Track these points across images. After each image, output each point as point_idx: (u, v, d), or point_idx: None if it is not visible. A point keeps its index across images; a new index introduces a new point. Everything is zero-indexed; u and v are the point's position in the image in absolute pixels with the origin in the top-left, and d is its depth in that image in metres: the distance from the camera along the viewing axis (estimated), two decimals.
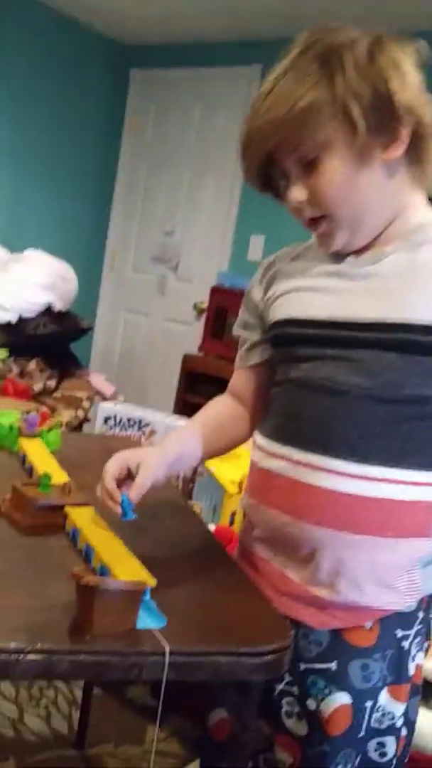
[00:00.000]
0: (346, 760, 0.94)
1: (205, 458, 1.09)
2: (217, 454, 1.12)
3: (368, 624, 0.93)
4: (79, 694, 1.90)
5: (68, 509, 1.02)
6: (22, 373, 3.23)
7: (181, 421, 2.24)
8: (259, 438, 1.01)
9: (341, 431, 0.90)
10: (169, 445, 1.02)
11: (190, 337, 4.06)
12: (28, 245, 3.56)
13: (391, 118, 0.87)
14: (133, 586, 0.76)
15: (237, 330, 1.13)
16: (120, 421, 2.27)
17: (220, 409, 1.11)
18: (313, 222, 0.95)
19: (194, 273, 4.22)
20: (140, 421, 2.25)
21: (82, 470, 1.27)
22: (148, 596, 0.79)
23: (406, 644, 0.95)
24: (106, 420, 2.29)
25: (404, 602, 0.93)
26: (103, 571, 0.84)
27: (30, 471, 1.21)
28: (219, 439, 1.08)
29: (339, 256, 0.97)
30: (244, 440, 1.12)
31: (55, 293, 3.44)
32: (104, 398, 3.50)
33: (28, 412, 1.42)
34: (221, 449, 1.10)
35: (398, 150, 0.89)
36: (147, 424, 2.22)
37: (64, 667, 0.70)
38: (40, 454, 1.27)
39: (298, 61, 0.89)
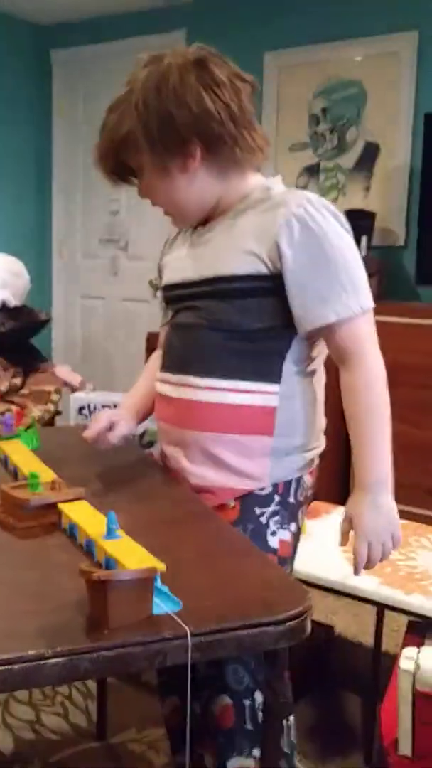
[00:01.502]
0: None
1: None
2: None
3: (231, 503, 1.18)
4: (93, 686, 1.90)
5: (61, 506, 1.00)
6: None
7: None
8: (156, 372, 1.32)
9: (193, 355, 1.19)
10: (133, 404, 1.38)
11: (150, 314, 4.02)
12: None
13: (177, 140, 1.11)
14: (144, 573, 0.75)
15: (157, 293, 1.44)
16: (95, 409, 2.24)
17: (156, 364, 1.40)
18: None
19: (145, 250, 4.16)
20: (115, 407, 2.22)
21: (67, 464, 1.25)
22: (158, 582, 0.77)
23: (264, 519, 1.17)
24: (80, 410, 2.25)
25: (255, 485, 1.18)
26: (110, 563, 0.82)
27: (15, 473, 1.19)
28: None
29: (195, 229, 1.26)
30: None
31: (8, 290, 3.36)
32: (73, 389, 3.45)
33: (2, 413, 1.38)
34: None
35: (192, 165, 1.14)
36: None
37: (87, 666, 0.68)
38: (22, 455, 1.24)
39: (121, 95, 1.14)
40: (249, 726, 1.14)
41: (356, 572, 1.13)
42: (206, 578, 0.85)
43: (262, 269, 1.12)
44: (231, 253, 1.15)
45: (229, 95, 1.12)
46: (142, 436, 2.00)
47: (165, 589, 0.78)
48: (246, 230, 1.15)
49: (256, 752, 1.12)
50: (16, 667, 0.66)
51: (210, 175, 1.17)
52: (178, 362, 1.23)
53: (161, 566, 0.77)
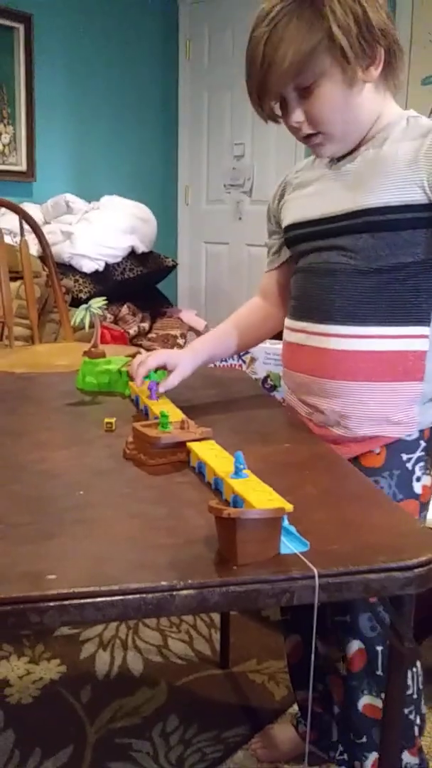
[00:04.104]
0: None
1: (237, 352, 1.45)
2: (249, 347, 1.47)
3: (376, 449, 1.16)
4: (217, 616, 1.97)
5: (190, 445, 1.03)
6: (116, 319, 3.27)
7: (277, 345, 2.21)
8: (285, 319, 1.27)
9: (338, 302, 1.13)
10: (202, 347, 1.35)
11: None
12: (103, 192, 3.56)
13: (372, 43, 1.04)
14: (271, 513, 0.75)
15: (266, 240, 1.40)
16: None
17: (251, 310, 1.41)
18: (308, 137, 1.13)
19: (269, 193, 4.10)
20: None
21: (194, 405, 1.28)
22: (286, 522, 0.78)
23: (410, 465, 1.17)
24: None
25: (405, 432, 1.15)
26: (237, 501, 0.84)
27: (146, 412, 1.22)
28: (249, 336, 1.40)
29: (328, 161, 1.18)
30: (271, 334, 1.42)
31: (137, 236, 3.43)
32: (198, 333, 3.50)
33: (133, 356, 1.42)
34: (252, 343, 1.44)
35: (378, 69, 1.06)
36: (246, 353, 2.20)
37: (216, 599, 0.70)
38: None
39: (291, 6, 1.02)
40: (379, 672, 1.16)
41: None
42: (332, 521, 0.85)
43: (420, 198, 1.05)
44: (382, 182, 1.08)
45: None
46: (265, 379, 2.01)
47: (292, 529, 0.78)
48: (398, 158, 1.08)
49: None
50: (149, 596, 0.69)
51: (382, 88, 1.11)
52: (318, 310, 1.16)
53: (289, 506, 0.78)
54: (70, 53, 3.84)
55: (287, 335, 1.25)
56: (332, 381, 1.15)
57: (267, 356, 2.21)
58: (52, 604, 0.68)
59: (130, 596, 0.68)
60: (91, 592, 0.69)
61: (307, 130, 1.12)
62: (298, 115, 1.10)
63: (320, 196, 1.18)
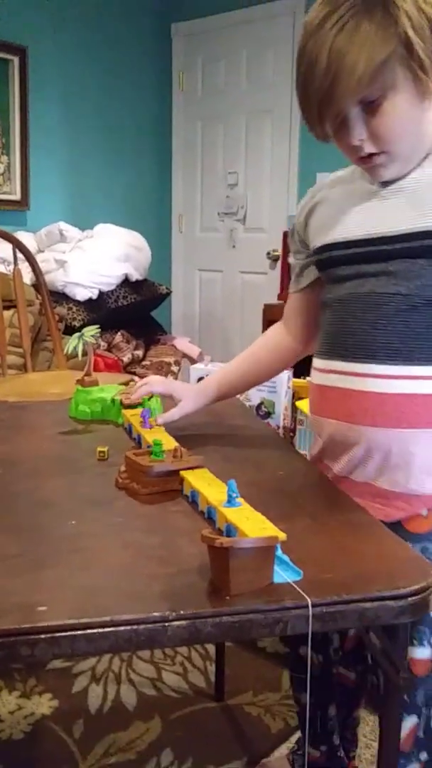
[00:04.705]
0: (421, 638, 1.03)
1: (246, 389, 1.37)
2: (260, 383, 1.36)
3: (424, 512, 1.03)
4: (212, 648, 1.95)
5: (183, 473, 1.02)
6: (110, 347, 3.27)
7: None
8: (314, 359, 1.13)
9: (384, 339, 0.99)
10: (210, 387, 1.28)
11: (268, 286, 4.01)
12: (97, 221, 3.58)
13: None
14: (265, 542, 0.75)
15: (289, 258, 1.25)
16: None
17: (264, 343, 1.30)
18: (369, 156, 0.99)
19: (263, 221, 4.15)
20: None
21: (188, 433, 1.27)
22: (279, 550, 0.78)
23: None
24: (199, 380, 2.28)
25: None
26: (230, 530, 0.83)
27: (139, 440, 1.22)
28: (258, 373, 1.30)
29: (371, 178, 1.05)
30: (286, 365, 1.31)
31: (130, 264, 3.45)
32: (192, 360, 3.51)
33: (126, 384, 1.42)
34: (263, 379, 1.33)
35: None
36: None
37: (209, 630, 0.70)
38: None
39: (359, 10, 0.90)
40: (420, 734, 1.08)
41: None
42: (325, 549, 0.84)
43: None
44: None
45: None
46: (259, 406, 2.01)
47: (286, 558, 0.78)
48: None
49: (423, 755, 1.09)
50: (140, 627, 0.68)
51: None
52: (357, 347, 1.02)
53: (282, 535, 0.77)
54: (64, 85, 3.90)
55: (316, 377, 1.11)
56: (372, 428, 1.01)
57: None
58: (42, 636, 0.67)
59: (122, 628, 0.68)
60: (82, 623, 0.68)
61: (370, 149, 0.98)
62: (360, 132, 0.97)
63: (367, 215, 1.04)
